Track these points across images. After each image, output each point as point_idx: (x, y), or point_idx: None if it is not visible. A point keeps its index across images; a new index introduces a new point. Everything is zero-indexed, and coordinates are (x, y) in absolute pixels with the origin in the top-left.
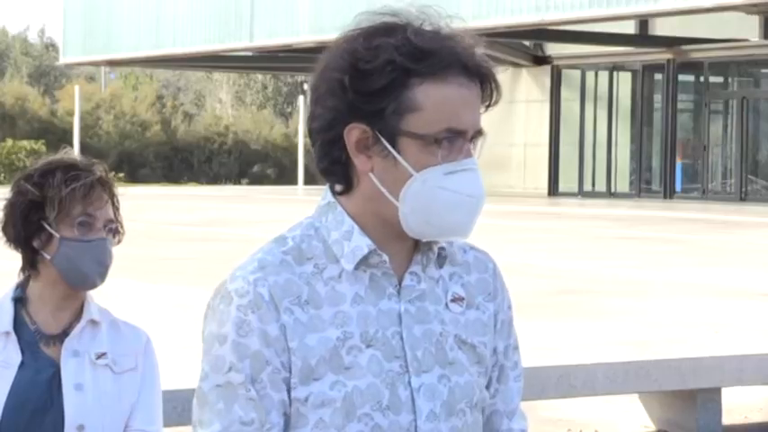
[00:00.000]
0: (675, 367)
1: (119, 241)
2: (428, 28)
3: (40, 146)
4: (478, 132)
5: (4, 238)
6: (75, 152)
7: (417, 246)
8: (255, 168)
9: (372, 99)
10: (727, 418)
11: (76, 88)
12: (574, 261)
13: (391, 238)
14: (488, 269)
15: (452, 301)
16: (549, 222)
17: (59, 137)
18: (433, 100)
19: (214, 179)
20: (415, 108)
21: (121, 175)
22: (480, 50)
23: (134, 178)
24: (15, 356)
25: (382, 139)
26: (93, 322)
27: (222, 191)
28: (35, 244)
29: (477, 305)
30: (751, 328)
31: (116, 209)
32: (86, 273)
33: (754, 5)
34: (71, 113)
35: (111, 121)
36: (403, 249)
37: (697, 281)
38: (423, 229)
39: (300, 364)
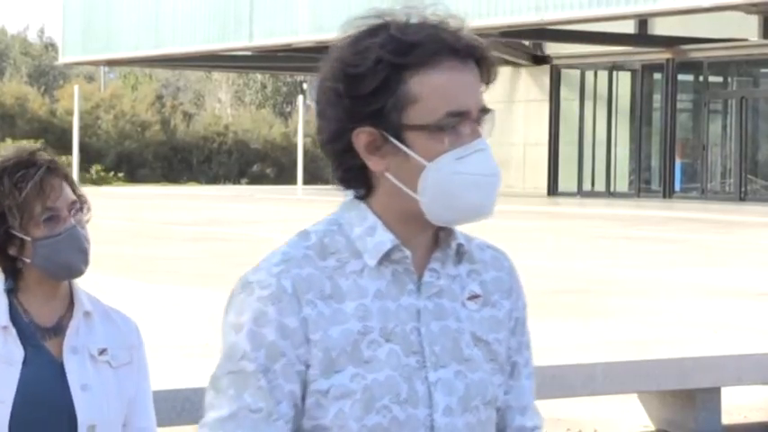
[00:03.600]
0: (675, 367)
1: (88, 219)
2: (414, 21)
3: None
4: (483, 111)
5: None
6: (9, 148)
7: (437, 243)
8: (255, 168)
9: (370, 101)
10: (727, 418)
11: (76, 88)
12: (573, 261)
13: (413, 234)
14: (504, 267)
15: (469, 298)
16: (549, 222)
17: (59, 136)
18: (428, 88)
19: (213, 179)
20: (412, 100)
21: (121, 174)
22: (468, 31)
23: (133, 178)
24: (18, 352)
25: (390, 138)
26: (87, 314)
27: (221, 190)
28: (11, 252)
29: (493, 303)
30: (750, 328)
31: (73, 186)
32: (69, 263)
33: (754, 5)
34: (70, 113)
35: (111, 120)
36: (423, 246)
37: (696, 280)
38: (447, 216)
39: (322, 356)
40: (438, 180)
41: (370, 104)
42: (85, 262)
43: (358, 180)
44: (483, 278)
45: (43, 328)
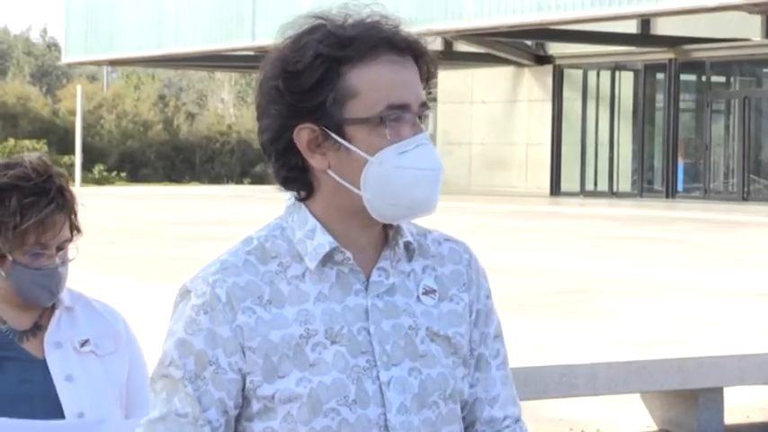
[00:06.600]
0: (677, 367)
1: (74, 258)
2: (351, 21)
3: (42, 145)
4: (423, 106)
5: None
6: (34, 156)
7: (386, 241)
8: (257, 168)
9: (310, 96)
10: (729, 418)
11: (78, 88)
12: (575, 261)
13: (358, 234)
14: (463, 260)
15: (424, 293)
16: (551, 222)
17: (61, 136)
18: (368, 81)
19: (216, 179)
20: (352, 94)
21: (123, 174)
22: (406, 30)
23: (136, 178)
24: None
25: (330, 133)
26: (68, 309)
27: (224, 190)
28: None
29: (450, 297)
30: (753, 328)
31: (74, 220)
32: (36, 296)
33: (756, 5)
34: (73, 113)
35: (113, 120)
36: (371, 245)
37: (699, 280)
38: (389, 212)
39: (262, 362)
40: (380, 175)
41: (310, 100)
42: (51, 299)
43: (300, 181)
44: (439, 272)
45: (21, 332)
